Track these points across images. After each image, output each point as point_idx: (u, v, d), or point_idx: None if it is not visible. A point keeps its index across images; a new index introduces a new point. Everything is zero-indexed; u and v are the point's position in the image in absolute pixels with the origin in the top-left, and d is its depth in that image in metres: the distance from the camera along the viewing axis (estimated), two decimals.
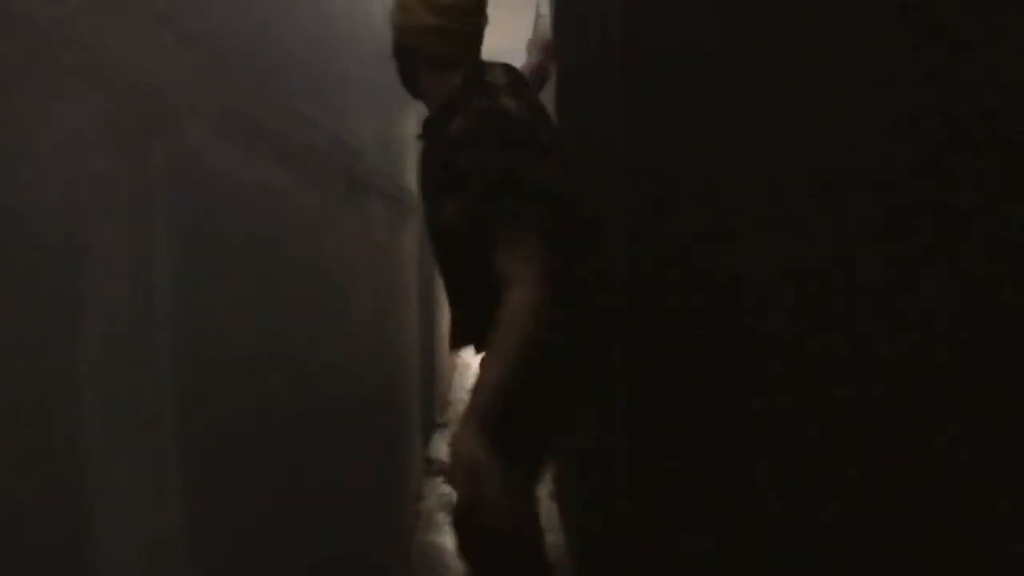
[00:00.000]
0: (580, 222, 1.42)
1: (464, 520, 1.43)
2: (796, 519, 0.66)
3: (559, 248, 1.31)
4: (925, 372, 0.46)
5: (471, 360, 6.16)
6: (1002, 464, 0.40)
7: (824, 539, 0.60)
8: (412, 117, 2.81)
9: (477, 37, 1.44)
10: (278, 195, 1.00)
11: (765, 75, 0.71)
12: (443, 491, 3.06)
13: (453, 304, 1.50)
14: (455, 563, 2.41)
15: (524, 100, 1.43)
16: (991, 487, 0.41)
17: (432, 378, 3.69)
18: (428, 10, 1.37)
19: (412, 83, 1.47)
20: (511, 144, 1.31)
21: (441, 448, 3.57)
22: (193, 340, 0.71)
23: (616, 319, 1.43)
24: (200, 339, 0.73)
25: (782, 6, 0.68)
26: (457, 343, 1.54)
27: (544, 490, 3.02)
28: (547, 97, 2.94)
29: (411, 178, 2.71)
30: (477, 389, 1.26)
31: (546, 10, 3.32)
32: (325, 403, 1.26)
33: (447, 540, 2.59)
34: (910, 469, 0.48)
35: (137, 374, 0.61)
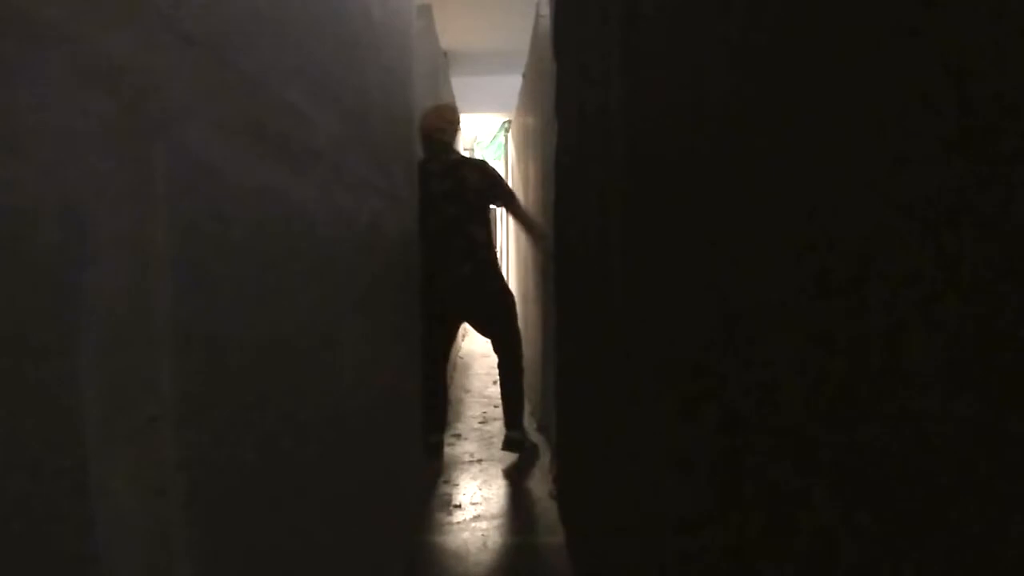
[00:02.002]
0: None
1: None
2: (796, 522, 0.66)
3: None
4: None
5: (471, 361, 6.16)
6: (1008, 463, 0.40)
7: (824, 542, 0.60)
8: (412, 119, 2.80)
9: (429, 139, 3.33)
10: (278, 195, 1.00)
11: (765, 77, 0.71)
12: (443, 491, 3.06)
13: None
14: (455, 563, 2.41)
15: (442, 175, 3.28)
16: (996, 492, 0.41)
17: None
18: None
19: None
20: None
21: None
22: (193, 340, 0.71)
23: (615, 329, 1.46)
24: (200, 339, 0.73)
25: (785, 34, 0.68)
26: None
27: (544, 490, 3.03)
28: (547, 98, 2.95)
29: (411, 178, 2.71)
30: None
31: (546, 10, 3.32)
32: (325, 402, 1.26)
33: (447, 540, 2.59)
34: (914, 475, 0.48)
35: (137, 374, 0.61)
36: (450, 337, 3.50)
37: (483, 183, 3.34)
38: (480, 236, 3.33)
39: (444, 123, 3.42)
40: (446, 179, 3.28)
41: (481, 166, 3.43)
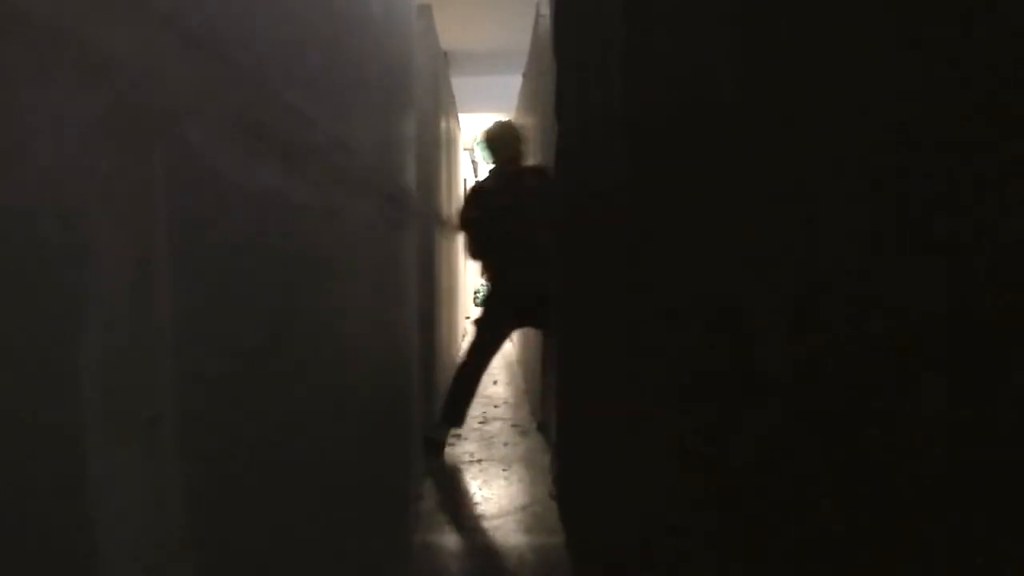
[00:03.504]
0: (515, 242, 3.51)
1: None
2: (796, 524, 0.66)
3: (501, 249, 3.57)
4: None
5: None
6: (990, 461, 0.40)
7: (824, 546, 0.60)
8: (412, 119, 2.81)
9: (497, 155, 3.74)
10: (278, 195, 1.00)
11: (767, 77, 0.71)
12: (444, 491, 3.06)
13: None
14: (455, 563, 2.41)
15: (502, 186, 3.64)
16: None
17: (432, 378, 3.69)
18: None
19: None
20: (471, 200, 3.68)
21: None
22: (193, 340, 0.71)
23: (614, 335, 1.47)
24: (200, 339, 0.73)
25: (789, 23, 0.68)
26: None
27: (544, 490, 3.03)
28: (547, 98, 2.95)
29: (411, 179, 2.71)
30: None
31: (546, 10, 3.32)
32: (325, 403, 1.26)
33: (447, 540, 2.59)
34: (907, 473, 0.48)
35: (137, 374, 0.61)
36: (502, 343, 3.69)
37: (536, 184, 3.51)
38: (542, 239, 3.42)
39: (513, 139, 3.74)
40: (505, 193, 3.54)
41: (538, 170, 3.60)
